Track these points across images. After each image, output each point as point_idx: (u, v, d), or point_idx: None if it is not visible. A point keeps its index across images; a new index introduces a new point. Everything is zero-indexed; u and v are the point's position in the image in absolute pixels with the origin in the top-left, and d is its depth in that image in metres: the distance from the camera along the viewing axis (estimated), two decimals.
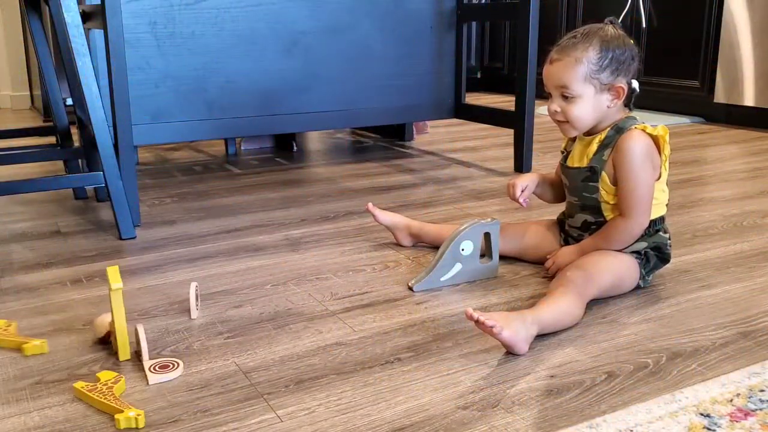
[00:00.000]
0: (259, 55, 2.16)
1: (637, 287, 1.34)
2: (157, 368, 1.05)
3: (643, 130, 1.26)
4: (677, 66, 3.60)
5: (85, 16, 1.96)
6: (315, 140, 3.14)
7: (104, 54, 1.83)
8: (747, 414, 0.93)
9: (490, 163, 2.53)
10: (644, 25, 3.74)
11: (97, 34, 2.18)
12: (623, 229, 1.28)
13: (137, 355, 1.09)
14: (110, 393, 0.97)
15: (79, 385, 0.99)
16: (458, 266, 1.38)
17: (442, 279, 1.37)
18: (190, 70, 2.07)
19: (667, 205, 1.34)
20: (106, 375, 1.02)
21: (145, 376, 1.04)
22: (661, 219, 1.32)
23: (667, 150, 1.27)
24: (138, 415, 0.92)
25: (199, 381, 1.03)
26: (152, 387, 1.02)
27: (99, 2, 1.79)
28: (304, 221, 1.85)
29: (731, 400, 0.96)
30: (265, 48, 2.17)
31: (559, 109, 1.28)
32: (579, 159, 1.34)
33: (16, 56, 4.29)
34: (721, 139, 3.06)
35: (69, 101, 2.32)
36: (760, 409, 0.94)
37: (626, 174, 1.25)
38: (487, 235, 1.41)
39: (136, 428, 0.91)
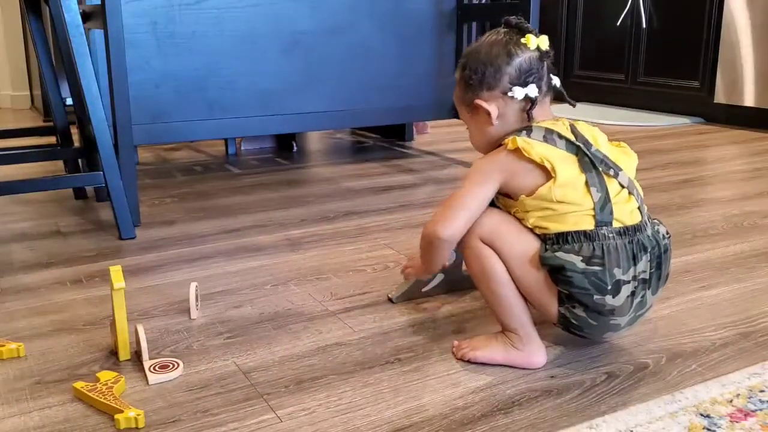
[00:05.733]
0: (259, 55, 2.16)
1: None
2: (157, 368, 1.05)
3: (505, 146, 1.04)
4: (677, 66, 3.60)
5: (85, 16, 1.95)
6: (315, 140, 3.14)
7: (104, 54, 1.83)
8: (747, 414, 0.93)
9: None
10: (644, 25, 3.74)
11: (97, 34, 2.18)
12: (425, 228, 1.07)
13: (137, 355, 1.09)
14: (110, 393, 0.97)
15: (79, 385, 0.99)
16: (440, 276, 1.33)
17: (423, 290, 1.33)
18: (191, 70, 2.07)
19: (597, 220, 0.99)
20: (106, 375, 1.02)
21: (145, 376, 1.04)
22: (571, 237, 0.99)
23: (537, 156, 1.00)
24: (138, 415, 0.92)
25: (198, 381, 1.03)
26: (152, 387, 1.02)
27: (99, 2, 1.79)
28: (304, 221, 1.85)
29: (731, 401, 0.96)
30: (265, 48, 2.17)
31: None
32: None
33: (16, 56, 4.29)
34: (721, 140, 3.06)
35: (69, 101, 2.32)
36: (760, 410, 0.94)
37: (462, 182, 1.07)
38: None
39: (136, 428, 0.91)
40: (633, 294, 1.01)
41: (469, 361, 1.08)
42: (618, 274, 0.98)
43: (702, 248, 1.60)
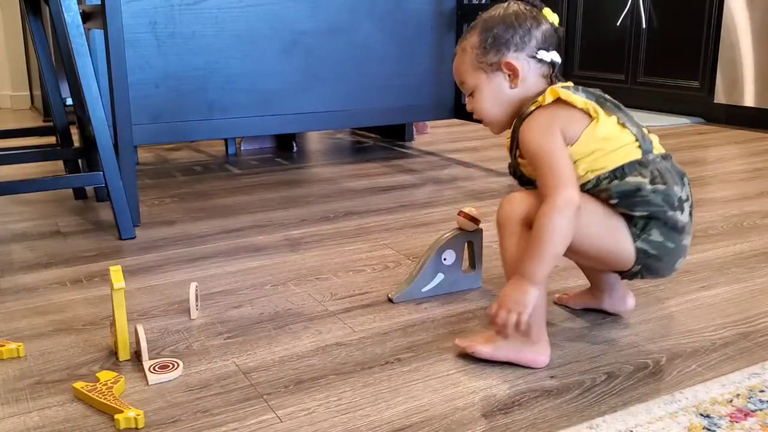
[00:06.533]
0: (259, 55, 2.16)
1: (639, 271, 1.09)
2: (156, 368, 1.05)
3: (541, 104, 1.06)
4: (677, 66, 3.60)
5: (85, 16, 1.95)
6: (315, 140, 3.14)
7: (104, 54, 1.83)
8: (747, 414, 0.93)
9: (491, 164, 2.53)
10: (644, 25, 3.74)
11: (97, 34, 2.18)
12: (545, 212, 1.00)
13: (137, 355, 1.09)
14: (110, 393, 0.97)
15: (78, 385, 0.99)
16: (440, 276, 1.33)
17: (423, 290, 1.33)
18: (190, 70, 2.07)
19: (643, 149, 1.04)
20: (105, 375, 1.02)
21: (145, 376, 1.04)
22: (627, 168, 1.03)
23: (580, 102, 1.04)
24: (138, 415, 0.92)
25: (198, 381, 1.03)
26: (152, 387, 1.02)
27: (99, 2, 1.79)
28: (304, 221, 1.85)
29: (731, 401, 0.96)
30: (265, 48, 2.17)
31: (473, 108, 1.15)
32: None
33: (16, 56, 4.29)
34: (721, 140, 3.06)
35: (69, 101, 2.32)
36: (760, 410, 0.94)
37: (533, 159, 1.05)
38: (470, 244, 1.36)
39: (136, 428, 0.91)
40: (690, 214, 1.08)
41: (472, 355, 1.07)
42: (678, 191, 1.05)
43: (702, 248, 1.60)
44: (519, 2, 1.14)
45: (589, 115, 1.05)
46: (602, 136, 1.04)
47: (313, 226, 1.80)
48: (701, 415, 0.93)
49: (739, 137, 3.11)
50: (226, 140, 2.87)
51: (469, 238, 1.34)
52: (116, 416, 0.91)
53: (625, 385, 1.01)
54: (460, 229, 1.33)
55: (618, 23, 3.89)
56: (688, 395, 0.98)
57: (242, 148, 2.92)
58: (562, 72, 1.16)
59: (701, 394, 0.98)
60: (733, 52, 3.29)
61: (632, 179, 1.03)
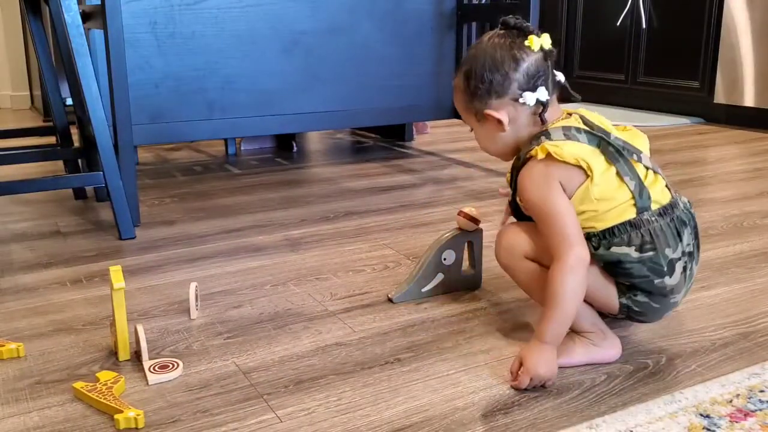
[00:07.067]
0: (259, 55, 2.16)
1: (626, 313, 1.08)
2: (156, 368, 1.05)
3: (534, 157, 1.02)
4: (677, 66, 3.60)
5: (85, 16, 1.95)
6: (315, 140, 3.14)
7: (104, 54, 1.83)
8: (747, 414, 0.93)
9: (490, 164, 2.53)
10: (644, 25, 3.74)
11: (97, 34, 2.18)
12: (557, 274, 0.99)
13: (137, 355, 1.09)
14: (110, 393, 0.97)
15: (78, 385, 0.99)
16: (440, 276, 1.33)
17: (423, 290, 1.32)
18: (190, 70, 2.07)
19: (638, 207, 1.01)
20: (105, 375, 1.02)
21: (145, 376, 1.04)
22: (617, 230, 1.01)
23: (570, 158, 0.99)
24: (137, 415, 0.92)
25: (198, 381, 1.03)
26: (152, 387, 1.02)
27: (99, 2, 1.79)
28: (304, 221, 1.85)
29: (731, 401, 0.96)
30: (265, 48, 2.17)
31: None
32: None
33: (16, 56, 4.29)
34: (721, 140, 3.06)
35: (69, 101, 2.32)
36: (760, 410, 0.94)
37: (537, 217, 1.03)
38: (470, 244, 1.36)
39: (136, 428, 0.91)
40: (684, 269, 1.04)
41: None
42: (669, 253, 1.01)
43: (702, 248, 1.59)
44: (504, 30, 1.07)
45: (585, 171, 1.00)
46: (597, 197, 1.00)
47: (313, 226, 1.80)
48: (701, 415, 0.93)
49: (739, 137, 3.11)
50: (226, 140, 2.87)
51: (469, 238, 1.34)
52: (116, 416, 0.91)
53: (625, 385, 1.01)
54: (460, 229, 1.33)
55: (618, 23, 3.89)
56: (688, 395, 0.98)
57: (242, 148, 2.92)
58: (566, 80, 1.09)
59: (701, 394, 0.98)
60: (733, 52, 3.29)
61: (616, 249, 1.00)
